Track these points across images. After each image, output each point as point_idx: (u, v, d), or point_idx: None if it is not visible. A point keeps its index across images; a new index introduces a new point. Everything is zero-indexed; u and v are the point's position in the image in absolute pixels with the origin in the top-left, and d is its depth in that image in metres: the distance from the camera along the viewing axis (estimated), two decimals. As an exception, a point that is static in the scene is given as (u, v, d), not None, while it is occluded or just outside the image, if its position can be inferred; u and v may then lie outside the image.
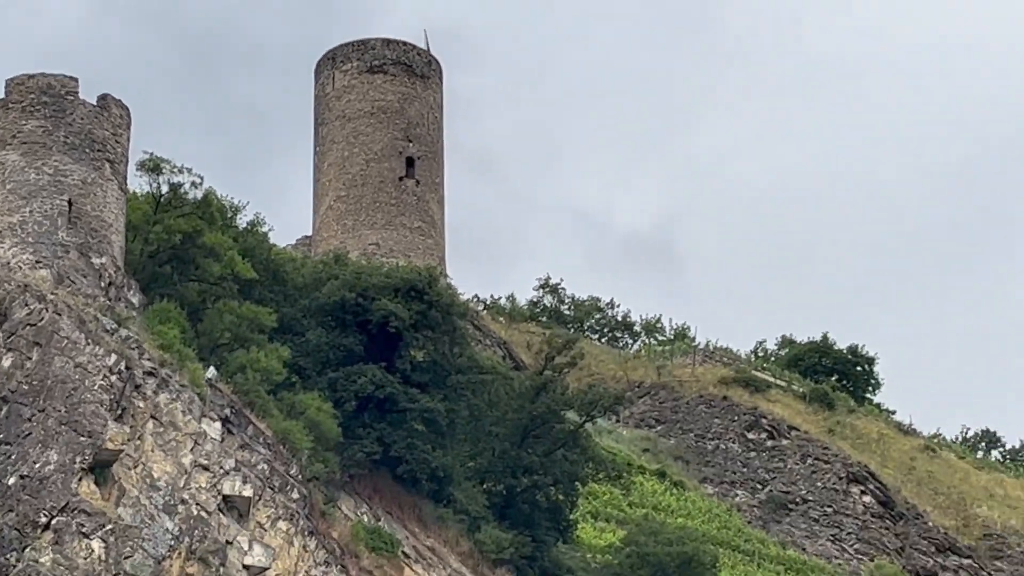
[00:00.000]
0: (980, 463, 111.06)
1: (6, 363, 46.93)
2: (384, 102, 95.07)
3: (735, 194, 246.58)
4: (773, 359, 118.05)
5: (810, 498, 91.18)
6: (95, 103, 53.37)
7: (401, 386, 56.97)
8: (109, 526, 43.98)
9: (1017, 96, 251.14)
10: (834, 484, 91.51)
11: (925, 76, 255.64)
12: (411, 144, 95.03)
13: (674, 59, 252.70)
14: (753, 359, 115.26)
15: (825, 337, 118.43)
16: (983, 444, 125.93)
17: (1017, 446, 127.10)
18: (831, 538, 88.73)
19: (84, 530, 43.56)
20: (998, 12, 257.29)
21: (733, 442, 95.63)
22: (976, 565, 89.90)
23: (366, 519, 53.99)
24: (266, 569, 46.82)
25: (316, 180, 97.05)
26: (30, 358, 46.79)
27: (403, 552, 53.12)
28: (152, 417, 47.06)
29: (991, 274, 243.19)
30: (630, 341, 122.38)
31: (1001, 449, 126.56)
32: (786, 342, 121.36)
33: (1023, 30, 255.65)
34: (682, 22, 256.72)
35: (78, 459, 44.45)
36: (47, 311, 47.83)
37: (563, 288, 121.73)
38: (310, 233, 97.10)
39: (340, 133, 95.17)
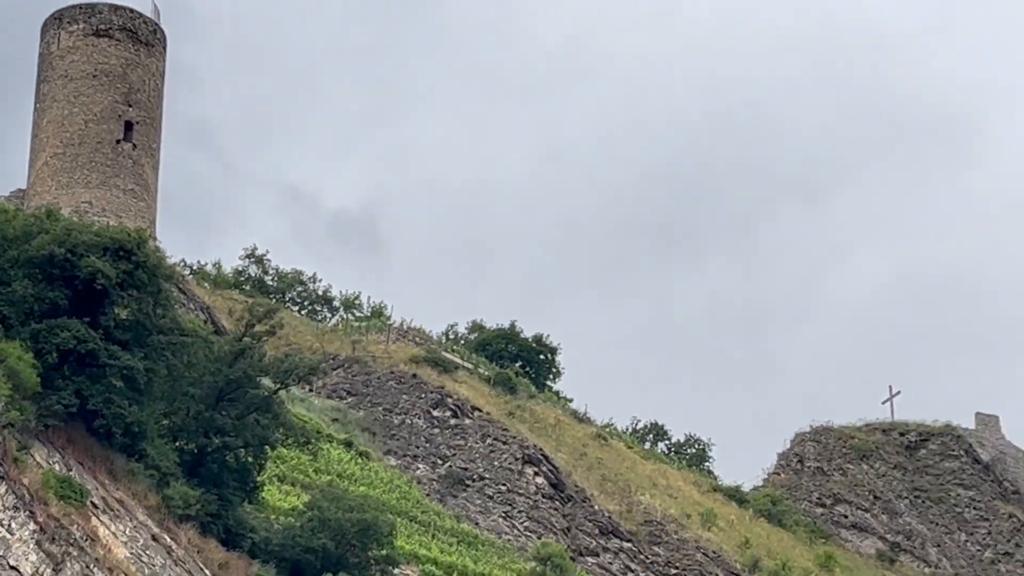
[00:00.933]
0: (647, 454, 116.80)
1: None
2: (107, 66, 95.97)
3: (440, 184, 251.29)
4: (463, 342, 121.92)
5: (487, 476, 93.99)
6: None
7: (103, 342, 57.88)
8: None
9: (695, 110, 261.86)
10: (510, 464, 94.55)
11: (620, 85, 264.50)
12: (131, 108, 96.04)
13: (397, 47, 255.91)
14: (444, 341, 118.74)
15: (513, 325, 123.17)
16: (651, 436, 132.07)
17: (682, 440, 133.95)
18: (503, 515, 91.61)
19: None
20: (687, 30, 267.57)
21: (419, 418, 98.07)
22: (635, 549, 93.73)
23: (57, 468, 54.63)
24: (-48, 509, 46.96)
25: (34, 136, 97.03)
26: None
27: (91, 502, 53.96)
28: None
29: (663, 276, 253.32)
30: (329, 315, 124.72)
31: (667, 442, 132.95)
32: (476, 327, 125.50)
33: (710, 47, 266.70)
34: (411, 12, 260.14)
35: None
36: None
37: (268, 259, 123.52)
38: (24, 187, 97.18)
39: (62, 92, 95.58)
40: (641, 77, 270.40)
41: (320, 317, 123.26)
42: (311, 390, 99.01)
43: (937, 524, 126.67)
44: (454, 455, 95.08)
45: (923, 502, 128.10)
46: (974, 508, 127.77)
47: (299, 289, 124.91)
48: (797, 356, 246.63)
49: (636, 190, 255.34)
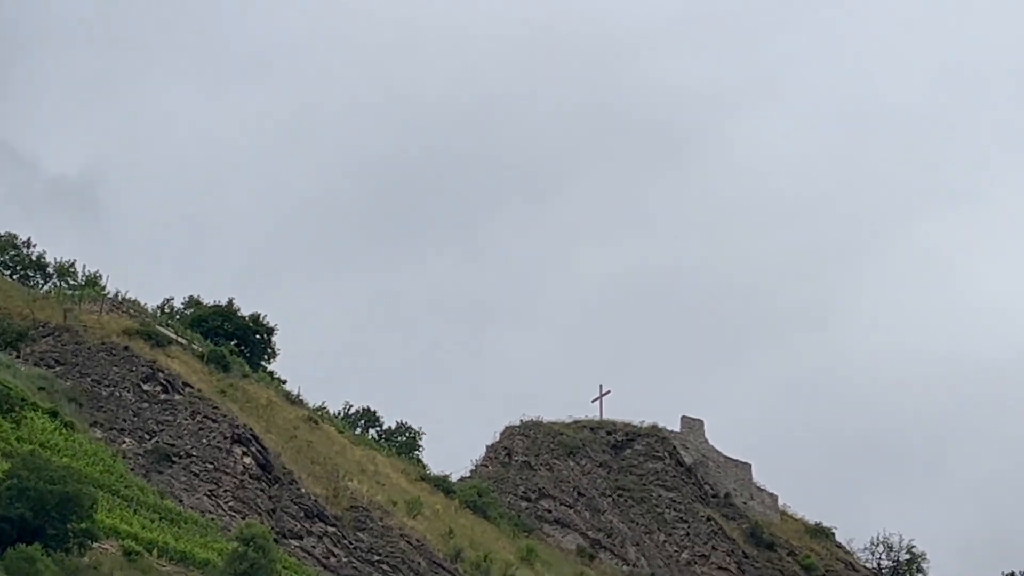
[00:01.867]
0: (357, 439, 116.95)
1: None
2: None
3: (166, 156, 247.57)
4: (178, 317, 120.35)
5: (194, 453, 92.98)
6: None
7: None
8: None
9: (429, 100, 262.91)
10: (219, 443, 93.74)
11: (353, 70, 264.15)
12: None
13: (132, 19, 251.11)
14: (159, 315, 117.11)
15: (230, 303, 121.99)
16: (363, 422, 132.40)
17: (393, 427, 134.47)
18: (208, 493, 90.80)
19: None
20: (428, 23, 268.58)
21: (128, 391, 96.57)
22: (339, 533, 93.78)
23: None
24: None
25: None
26: None
27: None
28: None
29: (387, 263, 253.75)
30: (41, 281, 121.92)
31: (378, 428, 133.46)
32: (193, 303, 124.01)
33: (446, 41, 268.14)
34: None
35: None
36: None
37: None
38: None
39: None
40: (377, 64, 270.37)
41: (32, 283, 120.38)
42: (18, 357, 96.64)
43: (637, 523, 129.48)
44: (162, 430, 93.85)
45: (625, 501, 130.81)
46: (674, 509, 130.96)
47: (11, 253, 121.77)
48: (514, 351, 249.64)
49: (364, 177, 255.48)
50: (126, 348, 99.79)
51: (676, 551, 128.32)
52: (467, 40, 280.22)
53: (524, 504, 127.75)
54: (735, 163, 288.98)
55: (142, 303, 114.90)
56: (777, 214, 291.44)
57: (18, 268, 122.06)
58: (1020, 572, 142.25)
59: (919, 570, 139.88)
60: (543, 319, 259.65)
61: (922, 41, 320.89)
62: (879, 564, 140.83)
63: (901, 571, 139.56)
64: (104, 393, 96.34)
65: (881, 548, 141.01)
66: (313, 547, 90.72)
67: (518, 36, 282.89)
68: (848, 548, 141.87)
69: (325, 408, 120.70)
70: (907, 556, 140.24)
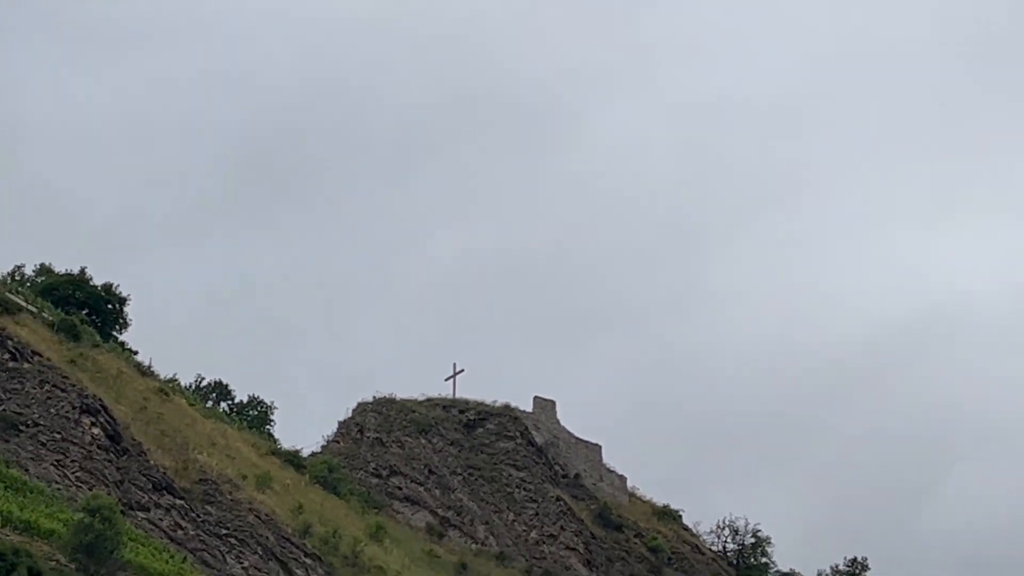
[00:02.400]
0: (208, 412, 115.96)
1: None
2: None
3: (18, 121, 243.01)
4: (28, 284, 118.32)
5: (42, 423, 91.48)
6: None
7: None
8: None
9: (293, 76, 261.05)
10: (67, 412, 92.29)
11: (223, 43, 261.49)
12: None
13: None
14: (8, 281, 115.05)
15: (83, 272, 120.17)
16: (214, 395, 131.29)
17: (245, 400, 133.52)
18: (55, 463, 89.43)
19: None
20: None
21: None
22: (187, 506, 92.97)
23: None
24: None
25: None
26: None
27: None
28: None
29: (244, 238, 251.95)
30: None
31: (230, 402, 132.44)
32: (44, 270, 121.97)
33: (316, 20, 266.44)
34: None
35: None
36: None
37: None
38: None
39: None
40: (237, 39, 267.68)
41: None
42: None
43: (487, 502, 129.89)
44: (9, 399, 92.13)
45: (476, 480, 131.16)
46: (524, 489, 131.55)
47: None
48: (368, 328, 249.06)
49: (222, 150, 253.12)
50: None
51: (525, 530, 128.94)
52: (329, 17, 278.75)
53: (375, 481, 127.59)
54: (592, 148, 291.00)
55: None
56: (632, 199, 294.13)
57: None
58: (861, 558, 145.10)
59: (763, 554, 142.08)
60: (398, 298, 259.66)
61: (782, 34, 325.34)
62: (724, 547, 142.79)
63: (746, 555, 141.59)
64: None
65: (727, 532, 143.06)
66: (160, 519, 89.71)
67: (379, 15, 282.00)
68: (695, 531, 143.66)
69: (176, 380, 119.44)
70: (752, 540, 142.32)
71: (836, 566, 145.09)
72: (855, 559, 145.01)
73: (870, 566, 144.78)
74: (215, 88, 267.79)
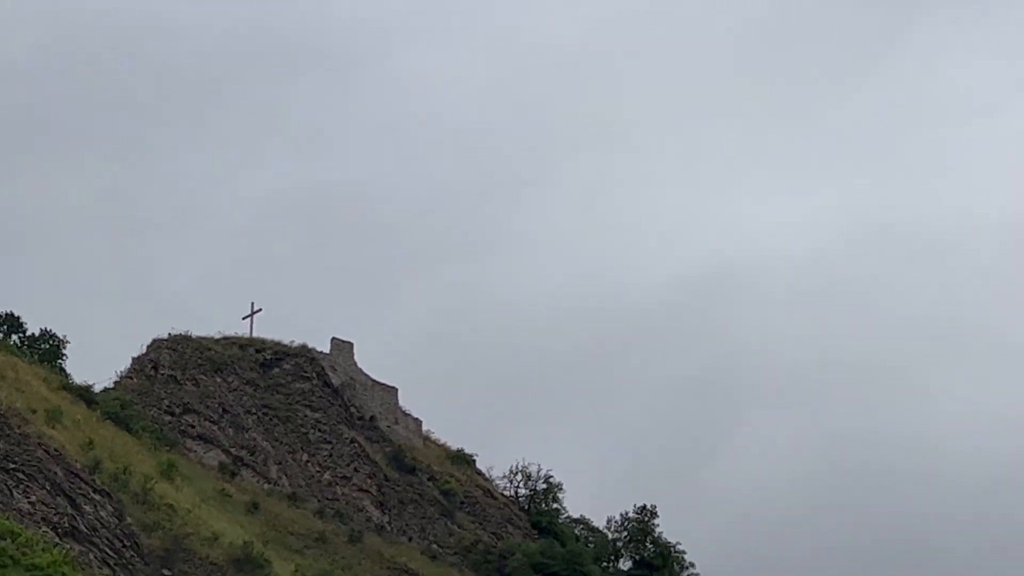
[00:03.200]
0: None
1: None
2: None
3: None
4: None
5: None
6: None
7: None
8: None
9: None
10: None
11: None
12: None
13: None
14: None
15: None
16: (5, 327, 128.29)
17: (37, 333, 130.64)
18: None
19: None
20: None
21: None
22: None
23: None
24: None
25: None
26: None
27: None
28: None
29: (40, 167, 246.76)
30: None
31: (21, 334, 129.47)
32: None
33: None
34: None
35: None
36: None
37: None
38: None
39: None
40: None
41: None
42: None
43: (281, 442, 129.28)
44: None
45: (271, 419, 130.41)
46: (319, 430, 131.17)
47: None
48: (168, 265, 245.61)
49: (22, 80, 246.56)
50: None
51: (318, 471, 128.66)
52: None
53: (168, 418, 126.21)
54: (401, 91, 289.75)
55: None
56: (441, 142, 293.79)
57: None
58: (650, 506, 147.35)
59: (555, 500, 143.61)
60: (199, 236, 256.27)
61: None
62: (517, 492, 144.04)
63: (538, 500, 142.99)
64: None
65: (520, 477, 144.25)
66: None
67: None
68: (488, 476, 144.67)
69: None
70: (544, 486, 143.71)
71: (626, 513, 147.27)
72: (644, 507, 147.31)
73: (659, 514, 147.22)
74: (15, 12, 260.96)
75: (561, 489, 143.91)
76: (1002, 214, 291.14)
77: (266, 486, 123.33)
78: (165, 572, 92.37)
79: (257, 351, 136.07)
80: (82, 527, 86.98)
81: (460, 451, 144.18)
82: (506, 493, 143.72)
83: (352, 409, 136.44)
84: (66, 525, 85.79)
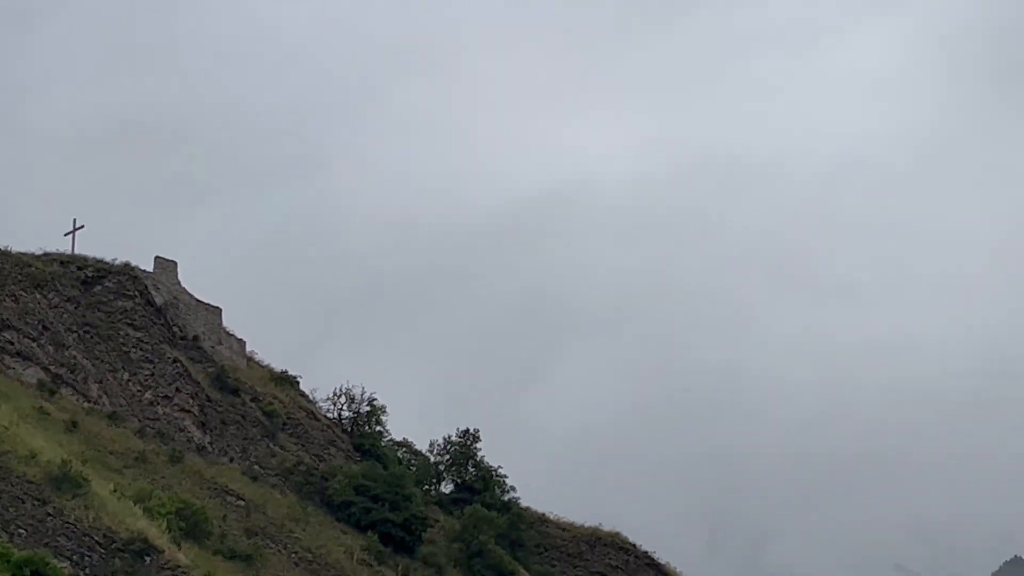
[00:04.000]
0: None
1: None
2: None
3: None
4: None
5: None
6: None
7: None
8: None
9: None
10: None
11: None
12: None
13: None
14: None
15: None
16: None
17: None
18: None
19: None
20: None
21: None
22: None
23: None
24: None
25: None
26: None
27: None
28: None
29: None
30: None
31: None
32: None
33: None
34: None
35: None
36: None
37: None
38: None
39: None
40: None
41: None
42: None
43: (103, 361, 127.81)
44: None
45: (92, 338, 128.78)
46: (141, 349, 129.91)
47: None
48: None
49: None
50: None
51: (140, 390, 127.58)
52: None
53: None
54: (225, 13, 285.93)
55: None
56: (269, 66, 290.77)
57: None
58: (473, 430, 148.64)
59: (378, 423, 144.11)
60: (20, 148, 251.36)
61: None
62: (340, 415, 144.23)
63: (361, 423, 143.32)
64: None
65: (343, 399, 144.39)
66: None
67: None
68: (311, 398, 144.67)
69: None
70: (368, 409, 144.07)
71: (449, 437, 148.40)
72: (467, 431, 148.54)
73: (481, 438, 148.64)
74: None
75: (384, 412, 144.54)
76: (826, 144, 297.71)
77: (86, 405, 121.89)
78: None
79: (79, 268, 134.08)
80: None
81: (284, 373, 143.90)
82: (329, 415, 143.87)
83: (175, 328, 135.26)
84: None
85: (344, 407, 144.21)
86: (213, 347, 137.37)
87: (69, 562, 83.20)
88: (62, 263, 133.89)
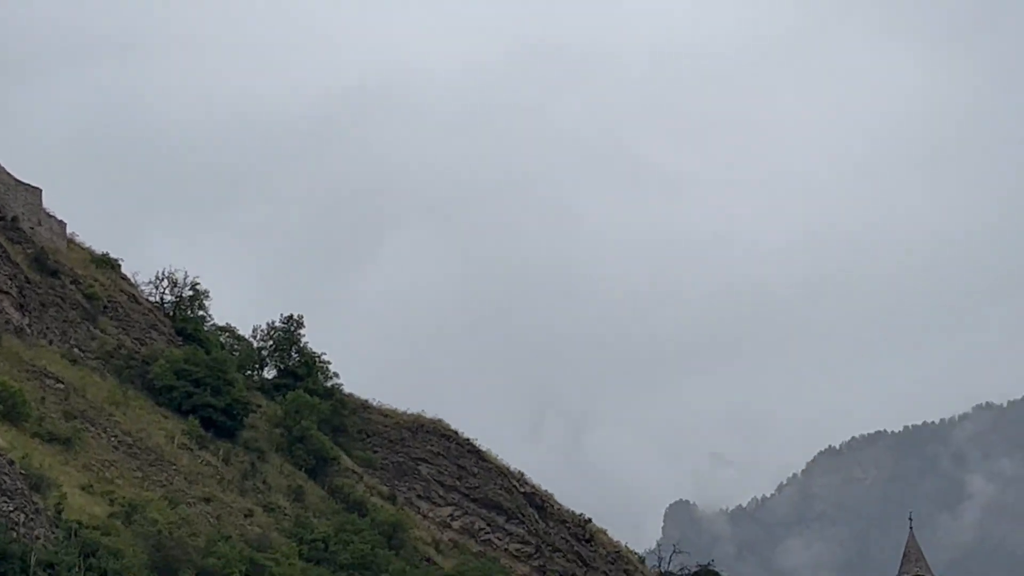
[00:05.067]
0: None
1: None
2: None
3: None
4: None
5: None
6: None
7: None
8: None
9: None
10: None
11: None
12: None
13: None
14: None
15: None
16: None
17: None
18: None
19: None
20: None
21: None
22: None
23: None
24: None
25: None
26: None
27: None
28: None
29: None
30: None
31: None
32: None
33: None
34: None
35: None
36: None
37: None
38: None
39: None
40: None
41: None
42: None
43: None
44: None
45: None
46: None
47: None
48: None
49: None
50: None
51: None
52: None
53: None
54: None
55: None
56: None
57: None
58: (297, 315, 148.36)
59: (201, 307, 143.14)
60: None
61: None
62: (162, 299, 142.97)
63: (183, 307, 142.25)
64: None
65: (166, 283, 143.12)
66: None
67: None
68: (133, 281, 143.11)
69: None
70: (191, 293, 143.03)
71: (272, 323, 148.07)
72: (291, 316, 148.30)
73: (305, 324, 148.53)
74: None
75: (208, 297, 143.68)
76: (652, 31, 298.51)
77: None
78: None
79: None
80: None
81: (105, 255, 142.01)
82: (151, 299, 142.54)
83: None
84: None
85: (167, 291, 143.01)
86: (32, 228, 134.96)
87: None
88: None
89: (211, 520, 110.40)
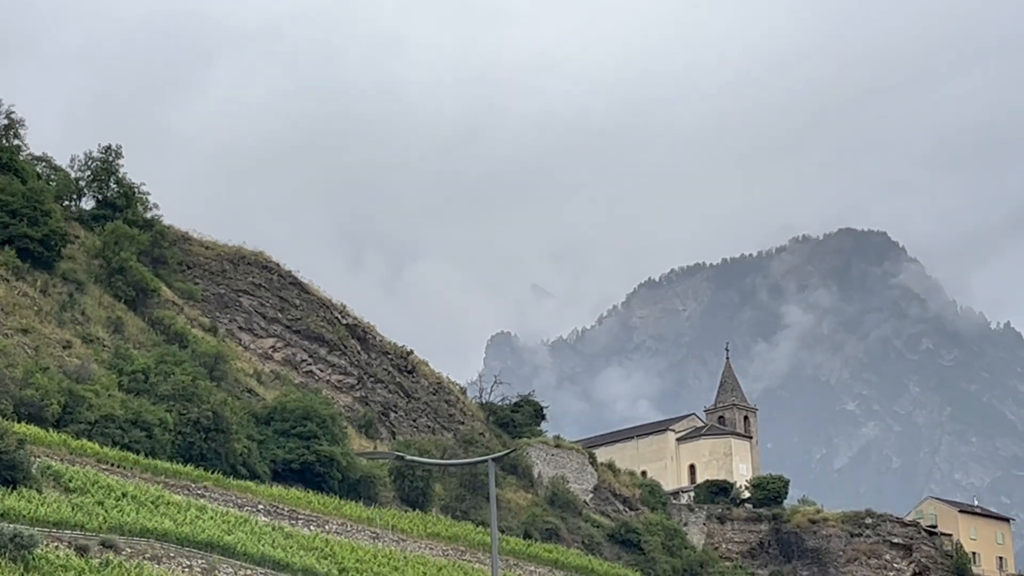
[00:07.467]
0: None
1: None
2: None
3: None
4: None
5: None
6: None
7: None
8: None
9: None
10: None
11: None
12: None
13: None
14: None
15: None
16: None
17: None
18: None
19: None
20: None
21: None
22: None
23: None
24: None
25: None
26: None
27: None
28: None
29: None
30: None
31: None
32: None
33: None
34: None
35: None
36: None
37: None
38: None
39: None
40: None
41: None
42: None
43: None
44: None
45: None
46: None
47: None
48: None
49: None
50: None
51: None
52: None
53: None
54: None
55: None
56: None
57: None
58: (115, 145, 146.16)
59: (16, 136, 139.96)
60: None
61: None
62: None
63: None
64: None
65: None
66: None
67: None
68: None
69: None
70: (5, 122, 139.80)
71: (90, 152, 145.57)
72: (109, 146, 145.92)
73: (124, 155, 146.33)
74: None
75: (23, 125, 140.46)
76: None
77: None
78: None
79: None
80: None
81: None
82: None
83: None
84: None
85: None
86: None
87: None
88: None
89: (29, 351, 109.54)
